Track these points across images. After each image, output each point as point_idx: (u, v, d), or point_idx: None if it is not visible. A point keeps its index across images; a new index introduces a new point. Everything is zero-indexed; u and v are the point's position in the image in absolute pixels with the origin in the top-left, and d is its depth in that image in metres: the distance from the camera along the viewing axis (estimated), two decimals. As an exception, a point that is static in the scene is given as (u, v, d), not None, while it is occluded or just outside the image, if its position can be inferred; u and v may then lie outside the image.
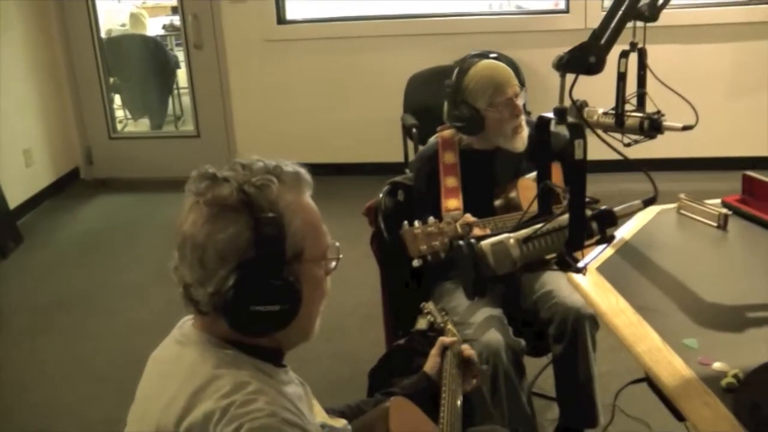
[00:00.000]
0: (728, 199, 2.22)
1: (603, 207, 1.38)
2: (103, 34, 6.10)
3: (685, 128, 1.98)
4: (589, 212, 1.37)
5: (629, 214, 1.39)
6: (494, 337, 2.29)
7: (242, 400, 1.14)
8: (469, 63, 2.51)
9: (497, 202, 2.56)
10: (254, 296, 1.20)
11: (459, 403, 1.67)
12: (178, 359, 1.26)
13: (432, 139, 2.66)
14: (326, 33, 5.47)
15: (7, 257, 4.64)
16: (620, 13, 1.32)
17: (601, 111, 2.11)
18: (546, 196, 1.42)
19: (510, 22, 5.32)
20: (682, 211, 2.23)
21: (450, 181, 2.50)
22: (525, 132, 2.52)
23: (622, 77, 2.06)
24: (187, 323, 1.33)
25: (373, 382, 2.44)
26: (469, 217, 2.35)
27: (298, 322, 1.26)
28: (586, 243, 1.36)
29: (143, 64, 6.74)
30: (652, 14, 1.94)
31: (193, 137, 5.92)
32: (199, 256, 1.21)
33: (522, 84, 2.63)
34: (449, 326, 1.98)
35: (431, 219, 2.22)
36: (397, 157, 4.59)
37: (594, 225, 1.36)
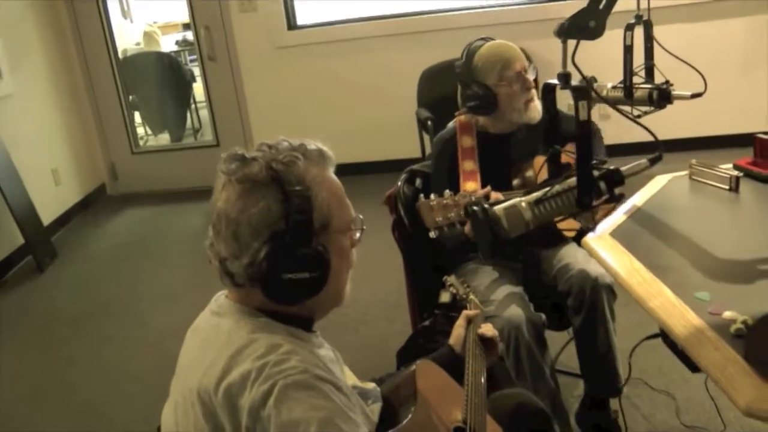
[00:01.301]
0: (740, 162, 2.27)
1: (610, 167, 1.45)
2: (119, 54, 6.25)
3: (694, 96, 2.02)
4: (597, 173, 1.44)
5: (636, 173, 1.46)
6: (515, 312, 2.34)
7: (276, 360, 1.22)
8: (476, 45, 2.59)
9: (515, 182, 2.61)
10: (286, 265, 1.28)
11: (484, 367, 1.73)
12: (216, 328, 1.35)
13: (450, 124, 2.73)
14: (336, 36, 5.58)
15: (44, 272, 4.80)
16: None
17: (609, 85, 2.16)
18: (555, 160, 1.48)
19: (516, 12, 5.38)
20: (694, 177, 2.27)
21: (468, 165, 2.56)
22: (538, 106, 2.58)
23: (628, 50, 2.10)
24: (221, 297, 1.42)
25: (400, 361, 2.53)
26: (486, 190, 2.39)
27: (328, 289, 1.34)
28: (596, 202, 1.43)
29: (160, 80, 6.88)
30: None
31: (213, 147, 6.04)
32: (234, 230, 1.30)
33: (530, 60, 2.68)
34: (471, 296, 2.03)
35: (447, 192, 2.25)
36: (414, 153, 4.66)
37: (602, 185, 1.44)
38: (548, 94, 1.43)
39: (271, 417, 1.17)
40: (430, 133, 4.14)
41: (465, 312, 1.90)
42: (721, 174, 2.19)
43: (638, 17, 2.06)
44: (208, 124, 6.19)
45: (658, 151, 1.43)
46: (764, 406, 1.25)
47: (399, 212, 2.69)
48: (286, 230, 1.28)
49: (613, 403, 2.58)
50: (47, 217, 5.22)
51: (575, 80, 1.45)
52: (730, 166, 2.27)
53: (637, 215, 2.07)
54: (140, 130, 7.10)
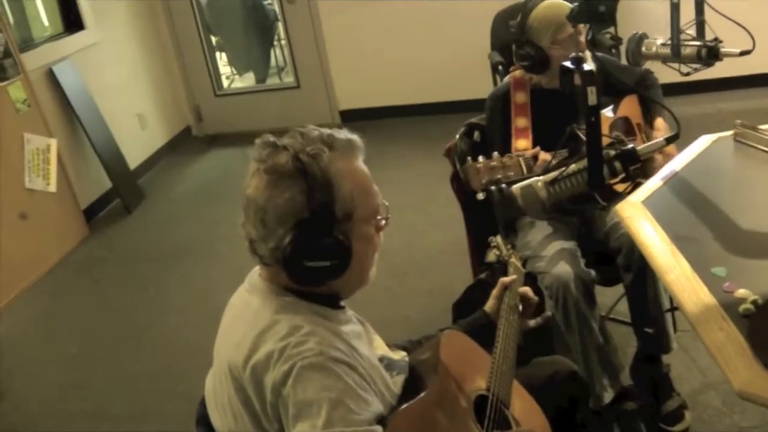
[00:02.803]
0: None
1: (626, 147, 1.46)
2: (204, -3, 6.37)
3: (743, 53, 1.97)
4: (612, 152, 1.45)
5: (651, 152, 1.46)
6: (564, 269, 2.36)
7: (296, 342, 1.30)
8: (532, 4, 2.55)
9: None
10: (308, 253, 1.36)
11: (515, 335, 1.76)
12: (247, 305, 1.45)
13: (505, 79, 2.73)
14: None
15: (131, 213, 5.06)
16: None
17: (659, 42, 2.11)
18: (573, 140, 1.50)
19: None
20: (739, 139, 2.20)
21: (520, 122, 2.56)
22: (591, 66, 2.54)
23: (675, 7, 2.06)
24: (255, 273, 1.51)
25: (456, 314, 2.60)
26: (536, 150, 2.40)
27: (352, 272, 1.41)
28: (612, 181, 1.44)
29: (244, 21, 6.97)
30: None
31: (294, 88, 6.14)
32: (261, 216, 1.38)
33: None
34: (513, 259, 2.05)
35: (495, 154, 2.27)
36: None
37: (617, 164, 1.44)
38: (564, 75, 1.43)
39: (290, 396, 1.27)
40: (501, 77, 4.11)
41: (502, 279, 1.94)
42: (764, 136, 2.11)
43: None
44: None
45: (676, 132, 1.41)
46: (757, 391, 1.25)
47: (456, 166, 2.72)
48: (310, 220, 1.35)
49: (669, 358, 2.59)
50: (134, 160, 5.47)
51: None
52: (774, 125, 2.19)
53: (673, 181, 2.02)
54: (226, 70, 7.28)
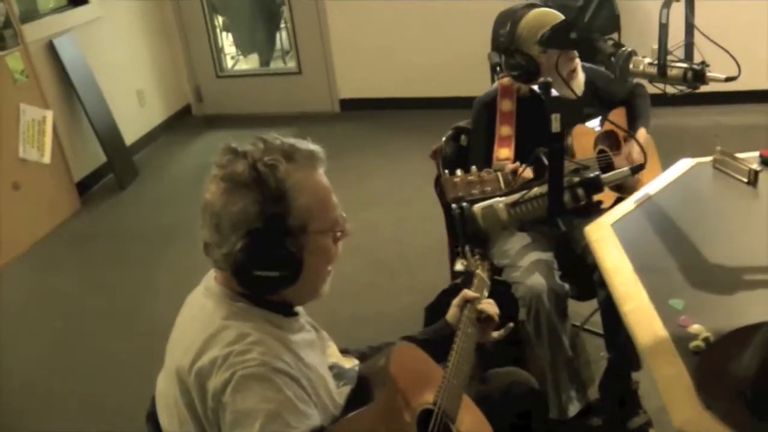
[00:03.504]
0: (766, 151, 2.16)
1: (591, 174, 1.46)
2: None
3: (728, 79, 1.97)
4: (576, 179, 1.45)
5: (615, 181, 1.46)
6: (538, 281, 2.37)
7: (240, 350, 1.32)
8: (521, 13, 2.54)
9: (554, 148, 2.61)
10: (257, 262, 1.37)
11: (471, 350, 1.75)
12: (202, 308, 1.46)
13: (494, 85, 2.72)
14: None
15: (125, 189, 5.07)
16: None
17: (647, 61, 2.11)
18: (539, 162, 1.50)
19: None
20: (717, 165, 2.19)
21: (504, 130, 2.56)
22: (580, 77, 2.54)
23: (663, 27, 2.05)
24: (211, 276, 1.52)
25: (428, 317, 2.60)
26: (515, 165, 2.40)
27: (303, 283, 1.42)
28: (572, 207, 1.45)
29: (250, 2, 6.94)
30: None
31: (295, 74, 6.13)
32: (216, 222, 1.39)
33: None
34: (479, 270, 2.06)
35: (473, 168, 2.28)
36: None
37: (580, 191, 1.45)
38: (543, 88, 1.42)
39: (228, 404, 1.28)
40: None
41: (464, 292, 1.94)
42: (741, 165, 2.10)
43: (678, -7, 1.99)
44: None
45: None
46: (695, 431, 1.26)
47: (440, 169, 2.73)
48: (262, 230, 1.36)
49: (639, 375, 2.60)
50: (131, 137, 5.47)
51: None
52: (757, 154, 2.18)
53: (646, 205, 2.02)
54: (232, 50, 7.27)
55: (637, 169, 1.48)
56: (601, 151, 2.64)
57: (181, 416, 1.39)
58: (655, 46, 2.08)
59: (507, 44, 2.55)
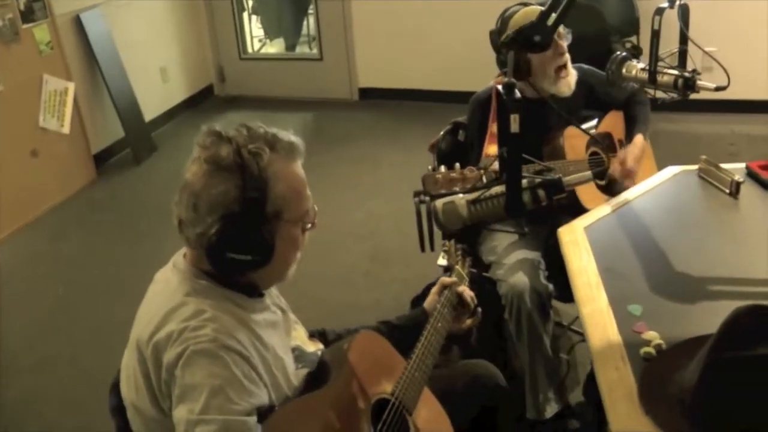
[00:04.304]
0: (753, 164, 2.16)
1: (553, 176, 1.48)
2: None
3: (718, 89, 1.98)
4: (538, 179, 1.47)
5: (578, 183, 1.48)
6: (521, 279, 2.38)
7: (195, 326, 1.36)
8: (511, 11, 2.56)
9: (546, 148, 2.61)
10: (231, 245, 1.41)
11: (438, 344, 1.78)
12: (167, 283, 1.51)
13: (490, 83, 2.74)
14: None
15: (140, 164, 5.15)
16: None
17: (640, 66, 2.12)
18: (502, 161, 1.52)
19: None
20: (702, 174, 2.19)
21: (496, 128, 2.58)
22: (571, 76, 2.55)
23: (655, 34, 2.06)
24: (181, 254, 1.57)
25: (413, 308, 2.64)
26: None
27: (271, 268, 1.47)
28: (532, 207, 1.47)
29: (280, -13, 7.03)
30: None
31: (317, 60, 6.17)
32: (194, 201, 1.43)
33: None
34: (458, 266, 2.09)
35: (456, 165, 2.30)
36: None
37: (541, 192, 1.47)
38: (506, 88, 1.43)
39: (178, 377, 1.33)
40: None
41: (442, 279, 1.97)
42: (724, 176, 2.10)
43: (671, 0, 1.99)
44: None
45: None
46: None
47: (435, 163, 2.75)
48: (239, 213, 1.40)
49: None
50: (151, 112, 5.56)
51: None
52: (743, 165, 2.18)
53: (623, 211, 2.03)
54: (260, 33, 7.33)
55: (600, 174, 1.49)
56: (593, 153, 2.65)
57: (138, 386, 1.44)
58: (675, 49, 2.09)
59: (497, 42, 2.56)
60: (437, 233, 1.97)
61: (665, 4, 2.00)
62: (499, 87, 1.40)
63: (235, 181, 1.39)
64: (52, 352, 3.27)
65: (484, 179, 2.27)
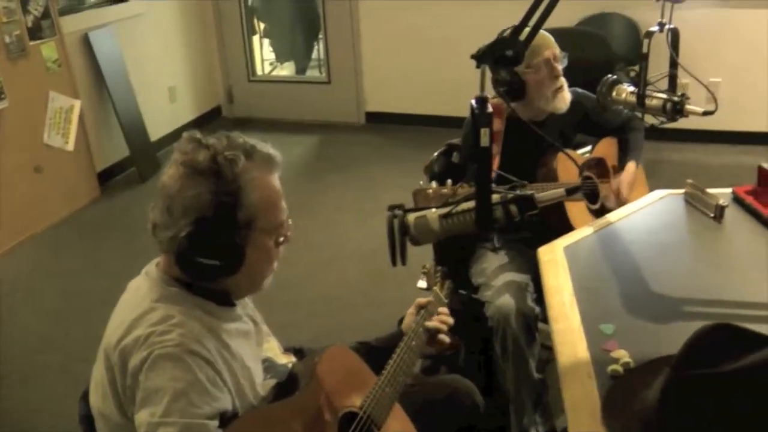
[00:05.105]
0: (739, 189, 2.15)
1: (526, 192, 1.47)
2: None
3: (706, 113, 1.98)
4: (511, 195, 1.47)
5: (550, 201, 1.47)
6: (507, 302, 2.38)
7: (161, 330, 1.37)
8: (506, 30, 2.58)
9: (540, 171, 2.62)
10: (201, 249, 1.43)
11: (412, 362, 1.76)
12: (137, 290, 1.52)
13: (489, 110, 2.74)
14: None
15: (145, 182, 5.19)
16: (541, 9, 1.37)
17: (630, 89, 2.13)
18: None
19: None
20: (688, 198, 2.19)
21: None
22: (567, 94, 2.57)
23: (644, 57, 2.06)
24: (154, 262, 1.58)
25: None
26: None
27: (242, 276, 1.48)
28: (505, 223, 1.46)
29: (292, 11, 7.08)
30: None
31: (324, 84, 6.23)
32: (168, 204, 1.45)
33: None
34: (436, 289, 2.08)
35: (448, 182, 2.30)
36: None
37: (513, 208, 1.46)
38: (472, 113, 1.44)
39: (142, 381, 1.34)
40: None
41: (418, 300, 1.97)
42: (709, 200, 2.10)
43: (661, 24, 2.00)
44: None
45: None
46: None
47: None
48: (211, 218, 1.41)
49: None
50: (159, 131, 5.61)
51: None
52: (730, 190, 2.17)
53: (605, 231, 2.03)
54: (271, 56, 7.40)
55: (573, 190, 1.49)
56: (587, 178, 2.65)
57: (105, 393, 1.45)
58: (685, 81, 2.10)
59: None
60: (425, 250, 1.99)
61: (655, 28, 2.02)
62: (472, 101, 1.40)
63: (208, 185, 1.41)
64: (47, 364, 3.28)
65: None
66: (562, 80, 2.55)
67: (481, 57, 1.37)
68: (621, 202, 2.54)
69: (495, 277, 2.50)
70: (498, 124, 2.63)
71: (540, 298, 2.48)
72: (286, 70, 7.40)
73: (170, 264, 1.49)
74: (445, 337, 1.90)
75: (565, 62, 2.56)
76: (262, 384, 1.56)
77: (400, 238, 1.50)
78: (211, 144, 1.46)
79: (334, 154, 5.65)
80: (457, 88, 5.65)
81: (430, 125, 5.85)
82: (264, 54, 7.46)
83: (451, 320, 1.96)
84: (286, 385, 1.58)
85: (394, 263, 1.52)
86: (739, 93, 5.04)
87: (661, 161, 5.03)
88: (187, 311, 1.44)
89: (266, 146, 1.51)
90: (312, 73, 7.27)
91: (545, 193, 1.48)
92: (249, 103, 6.41)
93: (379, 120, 6.07)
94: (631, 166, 2.67)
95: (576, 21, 5.09)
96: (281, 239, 1.54)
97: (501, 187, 1.52)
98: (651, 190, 2.45)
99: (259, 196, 1.46)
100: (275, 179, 1.52)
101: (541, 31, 2.55)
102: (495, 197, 1.47)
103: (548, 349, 2.71)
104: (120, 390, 1.40)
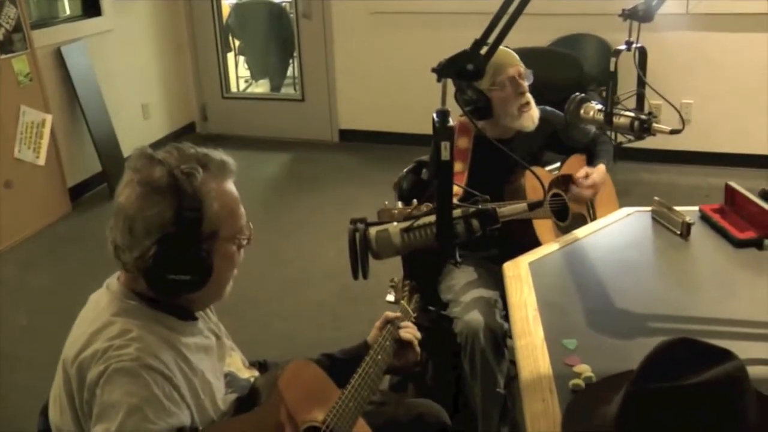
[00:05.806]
0: (706, 207, 2.18)
1: (487, 205, 1.48)
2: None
3: (673, 132, 1.99)
4: (472, 209, 1.47)
5: (512, 216, 1.48)
6: (475, 317, 2.38)
7: (119, 344, 1.35)
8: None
9: (508, 188, 2.63)
10: (170, 266, 1.41)
11: (376, 376, 1.76)
12: (97, 303, 1.51)
13: (452, 122, 2.75)
14: (432, 8, 5.56)
15: (116, 199, 5.13)
16: (501, 24, 1.38)
17: (598, 107, 2.14)
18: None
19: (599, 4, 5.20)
20: (655, 216, 2.20)
21: (457, 166, 2.58)
22: (534, 111, 2.58)
23: (612, 76, 2.08)
24: (115, 276, 1.57)
25: (370, 345, 2.62)
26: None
27: (209, 288, 1.47)
28: (466, 238, 1.47)
29: (267, 29, 7.13)
30: (646, 15, 1.97)
31: (298, 101, 6.24)
32: (129, 225, 1.43)
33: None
34: (403, 302, 2.09)
35: (414, 201, 2.31)
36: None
37: (475, 222, 1.47)
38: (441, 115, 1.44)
39: (98, 396, 1.32)
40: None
41: (386, 313, 1.97)
42: (675, 218, 2.11)
43: (629, 43, 2.02)
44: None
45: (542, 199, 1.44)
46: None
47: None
48: (176, 234, 1.40)
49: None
50: (132, 147, 5.50)
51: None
52: (697, 208, 2.19)
53: (571, 247, 2.04)
54: (247, 74, 7.40)
55: (535, 205, 1.49)
56: (555, 195, 2.66)
57: (63, 407, 1.42)
58: (657, 102, 2.12)
59: (459, 83, 2.59)
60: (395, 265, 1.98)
61: (623, 47, 2.03)
62: (434, 114, 1.41)
63: (169, 201, 1.40)
64: (12, 382, 3.23)
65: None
66: (529, 97, 2.57)
67: (441, 70, 1.38)
68: (590, 186, 2.55)
69: (464, 293, 2.50)
70: (465, 143, 2.65)
71: (509, 315, 2.50)
72: (261, 87, 7.40)
73: (133, 280, 1.48)
74: (417, 349, 1.92)
75: (531, 79, 2.58)
76: (224, 398, 1.54)
77: (362, 251, 1.49)
78: (162, 158, 1.44)
79: (306, 172, 5.65)
80: (428, 107, 5.65)
81: (403, 143, 5.86)
82: (239, 71, 7.47)
83: (418, 334, 1.97)
84: (248, 400, 1.56)
85: (355, 277, 1.51)
86: (710, 115, 5.11)
87: (634, 181, 5.07)
88: (146, 325, 1.42)
89: (218, 153, 1.51)
90: (287, 90, 7.27)
91: (507, 208, 1.49)
92: (223, 120, 6.40)
93: (352, 138, 6.08)
94: (601, 166, 2.68)
95: (549, 41, 5.14)
96: (244, 242, 1.53)
97: (464, 203, 1.53)
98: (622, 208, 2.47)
99: (219, 205, 1.45)
100: (231, 185, 1.51)
101: (506, 49, 2.58)
102: (457, 212, 1.47)
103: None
104: (78, 404, 1.38)
